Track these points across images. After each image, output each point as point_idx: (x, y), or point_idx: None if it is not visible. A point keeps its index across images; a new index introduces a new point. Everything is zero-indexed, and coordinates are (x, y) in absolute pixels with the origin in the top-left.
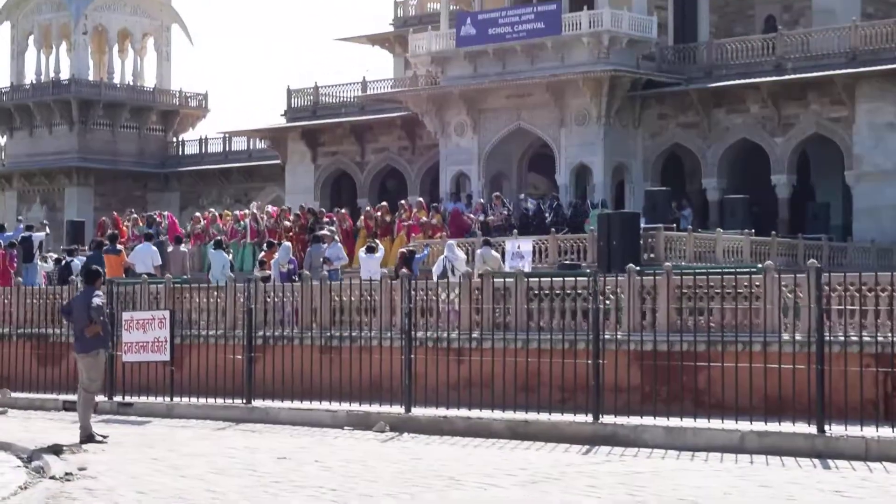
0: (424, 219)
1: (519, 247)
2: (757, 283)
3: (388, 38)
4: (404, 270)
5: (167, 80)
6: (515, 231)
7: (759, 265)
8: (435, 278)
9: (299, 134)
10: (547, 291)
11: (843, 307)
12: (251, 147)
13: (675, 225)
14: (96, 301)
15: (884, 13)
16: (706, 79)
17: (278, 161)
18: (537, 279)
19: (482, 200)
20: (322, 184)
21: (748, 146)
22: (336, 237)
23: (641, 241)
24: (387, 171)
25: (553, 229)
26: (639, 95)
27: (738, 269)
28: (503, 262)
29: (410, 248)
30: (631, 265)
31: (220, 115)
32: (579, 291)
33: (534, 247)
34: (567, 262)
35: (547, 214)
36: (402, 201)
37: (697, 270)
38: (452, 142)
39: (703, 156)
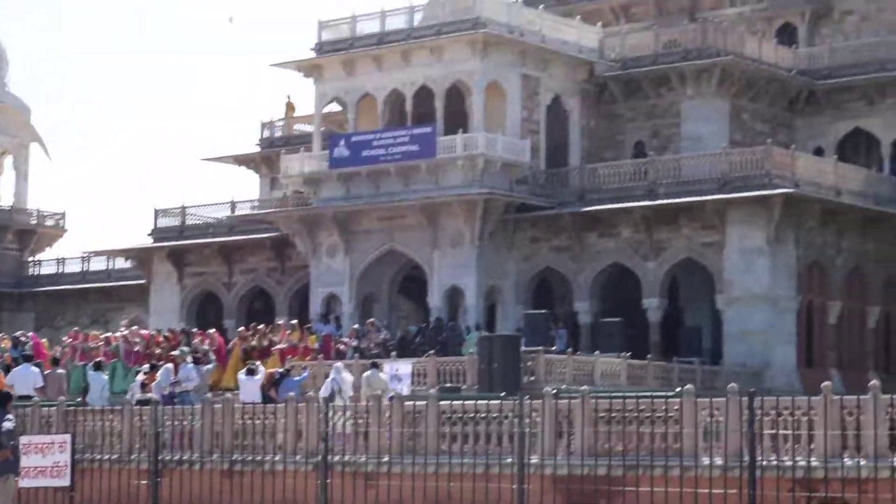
0: (297, 341)
1: (398, 369)
2: (676, 407)
3: (255, 158)
4: (271, 392)
5: (24, 198)
6: (394, 353)
7: (665, 390)
8: (321, 401)
9: (165, 254)
10: (461, 415)
11: (775, 431)
12: (110, 267)
13: (553, 347)
14: (6, 425)
15: (750, 140)
16: (579, 203)
17: (139, 281)
18: (449, 402)
19: (356, 326)
20: (188, 304)
21: (620, 270)
22: (188, 358)
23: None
24: (255, 292)
25: (433, 352)
26: (512, 218)
27: (654, 394)
28: None
29: (282, 370)
30: (547, 389)
31: (78, 234)
32: (494, 415)
33: (413, 370)
34: (448, 385)
35: (420, 338)
36: (279, 322)
37: (614, 394)
38: (324, 263)
39: (575, 279)
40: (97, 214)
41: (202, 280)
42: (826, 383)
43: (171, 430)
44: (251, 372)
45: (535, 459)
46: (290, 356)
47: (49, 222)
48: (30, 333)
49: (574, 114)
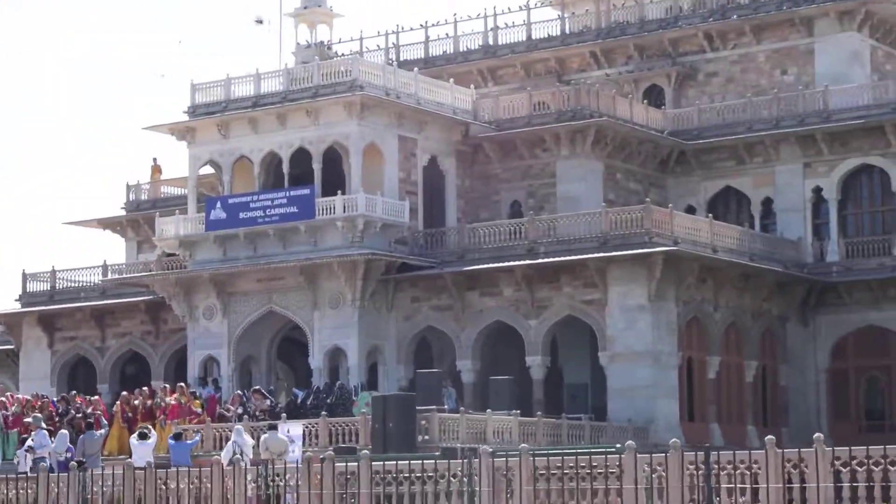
0: (185, 403)
1: (289, 431)
2: (617, 464)
3: (121, 222)
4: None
5: None
6: (284, 415)
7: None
8: (225, 464)
9: (35, 319)
10: (395, 475)
11: (733, 485)
12: None
13: (444, 406)
14: None
15: (624, 199)
16: (459, 262)
17: (3, 347)
18: (381, 463)
19: (240, 392)
20: (59, 370)
21: (502, 328)
22: (42, 424)
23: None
24: (128, 356)
25: (324, 413)
26: (393, 279)
27: (592, 450)
28: None
29: (174, 434)
30: (485, 447)
31: None
32: (430, 474)
33: (304, 431)
34: (343, 445)
35: (311, 399)
36: (165, 386)
37: (551, 452)
38: (201, 325)
39: (458, 337)
40: None
41: (74, 345)
42: (769, 437)
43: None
44: (143, 436)
45: None
46: (175, 419)
47: None
48: None
49: (450, 174)
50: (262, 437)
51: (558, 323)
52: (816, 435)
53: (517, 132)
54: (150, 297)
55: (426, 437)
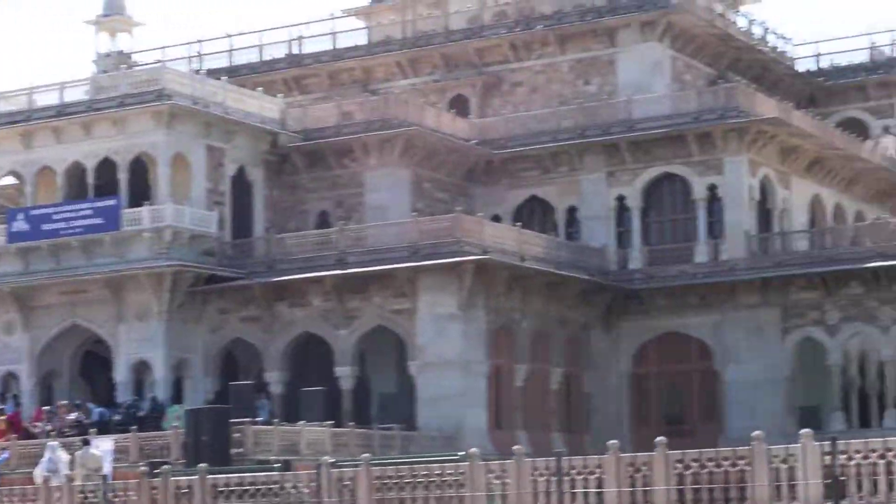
0: None
1: (98, 447)
2: (462, 471)
3: None
4: None
5: None
6: (94, 430)
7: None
8: (40, 480)
9: None
10: (234, 488)
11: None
12: None
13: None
14: None
15: (432, 208)
16: (268, 273)
17: None
18: (223, 476)
19: (47, 407)
20: None
21: (312, 339)
22: None
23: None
24: None
25: (135, 428)
26: (200, 290)
27: (434, 458)
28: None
29: None
30: (325, 458)
31: None
32: (271, 486)
33: (113, 447)
34: (155, 460)
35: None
36: None
37: (395, 460)
38: (1, 340)
39: (267, 349)
40: None
41: None
42: (611, 441)
43: None
44: None
45: None
46: None
47: None
48: None
49: (258, 184)
50: (77, 453)
51: (368, 333)
52: (611, 442)
53: (325, 142)
54: None
55: (239, 450)
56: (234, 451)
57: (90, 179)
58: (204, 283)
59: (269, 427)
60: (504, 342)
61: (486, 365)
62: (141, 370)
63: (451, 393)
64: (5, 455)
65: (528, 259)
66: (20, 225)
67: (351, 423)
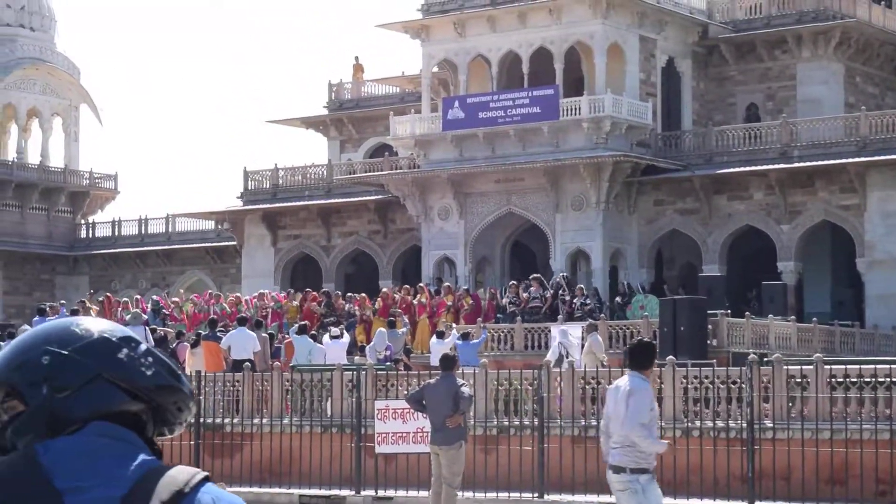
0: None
1: (570, 334)
2: None
3: (324, 121)
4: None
5: (75, 160)
6: (560, 317)
7: None
8: (553, 365)
9: (259, 217)
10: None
11: None
12: (170, 230)
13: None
14: (466, 391)
15: (863, 103)
16: (707, 165)
17: (202, 244)
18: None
19: (514, 282)
20: (283, 268)
21: (752, 233)
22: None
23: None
24: (353, 256)
25: (603, 315)
26: (638, 181)
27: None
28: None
29: (464, 332)
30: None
31: (131, 196)
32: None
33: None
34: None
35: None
36: (422, 284)
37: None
38: (436, 226)
39: (704, 241)
40: (151, 177)
41: (298, 243)
42: None
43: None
44: (441, 335)
45: None
46: (437, 317)
47: (102, 184)
48: (155, 297)
49: (686, 76)
50: (588, 338)
51: (811, 228)
52: None
53: (756, 33)
54: (380, 196)
55: (713, 342)
56: (709, 342)
57: (525, 69)
58: (640, 174)
59: (741, 320)
60: None
61: None
62: (577, 259)
63: None
64: (483, 336)
65: None
66: (456, 113)
67: (814, 320)
